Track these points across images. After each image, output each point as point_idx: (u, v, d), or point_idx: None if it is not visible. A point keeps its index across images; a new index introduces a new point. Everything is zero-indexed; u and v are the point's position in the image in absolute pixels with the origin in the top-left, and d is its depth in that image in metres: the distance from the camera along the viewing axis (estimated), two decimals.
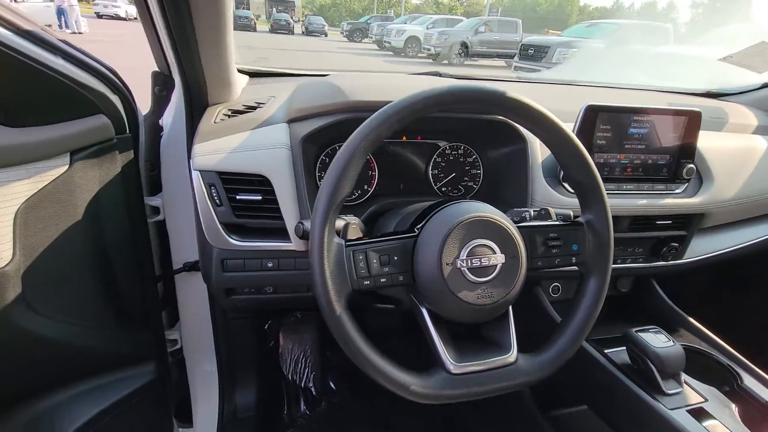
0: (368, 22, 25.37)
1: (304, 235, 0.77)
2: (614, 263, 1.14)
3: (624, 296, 1.38)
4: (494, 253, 0.67)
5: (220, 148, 0.93)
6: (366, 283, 0.65)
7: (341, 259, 0.64)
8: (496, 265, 0.67)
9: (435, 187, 1.20)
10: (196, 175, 0.91)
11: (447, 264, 0.65)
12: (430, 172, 1.19)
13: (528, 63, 9.51)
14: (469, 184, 1.23)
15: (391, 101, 0.66)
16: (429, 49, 14.35)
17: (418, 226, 0.72)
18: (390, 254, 0.68)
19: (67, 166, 0.85)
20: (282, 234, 0.96)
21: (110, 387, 1.04)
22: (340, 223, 0.71)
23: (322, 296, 0.62)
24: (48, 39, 0.77)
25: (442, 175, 1.21)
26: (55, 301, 0.89)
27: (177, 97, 1.08)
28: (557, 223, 0.81)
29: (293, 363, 1.73)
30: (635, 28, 10.34)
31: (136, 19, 1.01)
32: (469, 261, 0.65)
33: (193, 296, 1.32)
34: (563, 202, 1.07)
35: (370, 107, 0.80)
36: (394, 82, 1.15)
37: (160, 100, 1.12)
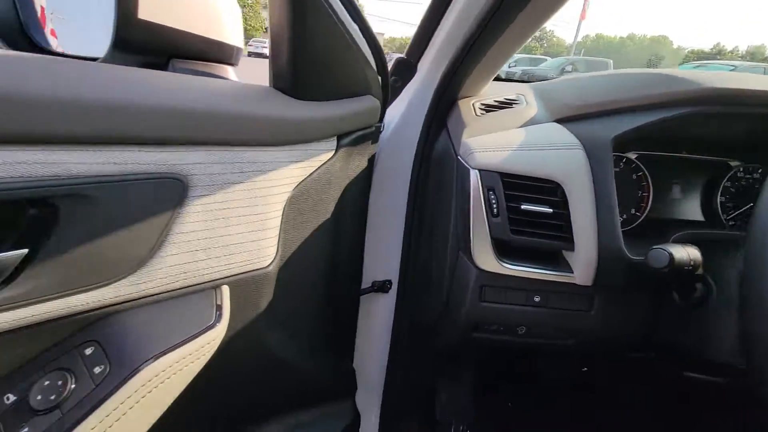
0: None
1: (670, 264, 0.54)
2: None
3: None
4: None
5: (500, 144, 0.74)
6: None
7: None
8: None
9: (723, 219, 0.91)
10: (474, 175, 0.72)
11: None
12: (719, 199, 0.91)
13: None
14: None
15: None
16: None
17: None
18: None
19: (333, 152, 0.70)
20: (556, 260, 0.74)
21: (315, 425, 0.86)
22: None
23: None
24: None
25: (731, 204, 0.92)
26: (294, 314, 0.73)
27: (415, 87, 0.92)
28: None
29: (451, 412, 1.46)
30: (756, 69, 9.49)
31: None
32: None
33: (372, 322, 1.13)
34: None
35: (732, 98, 0.57)
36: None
37: (392, 92, 0.97)
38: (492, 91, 0.97)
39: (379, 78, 0.80)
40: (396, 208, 0.99)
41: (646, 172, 0.88)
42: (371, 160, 0.86)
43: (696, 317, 0.71)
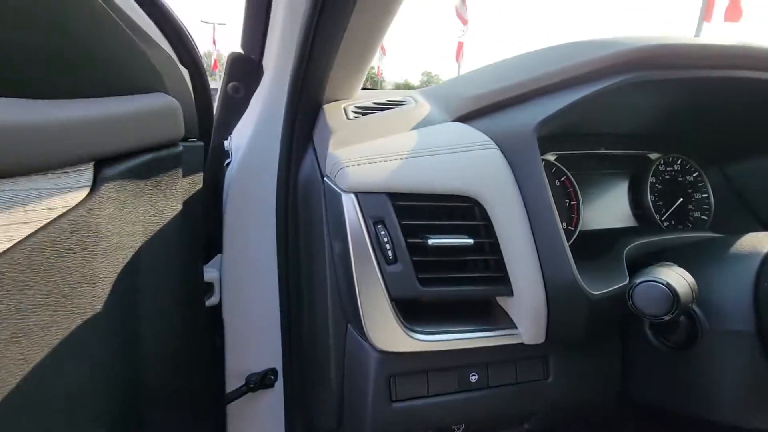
0: None
1: (675, 306, 0.33)
2: None
3: None
4: None
5: (384, 152, 0.49)
6: None
7: None
8: None
9: (658, 220, 0.78)
10: (348, 202, 0.45)
11: None
12: (649, 198, 0.77)
13: None
14: (695, 214, 0.81)
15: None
16: None
17: None
18: None
19: (88, 189, 0.38)
20: (490, 314, 0.50)
21: None
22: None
23: None
24: None
25: (661, 202, 0.79)
26: None
27: (265, 94, 0.65)
28: None
29: None
30: None
31: None
32: None
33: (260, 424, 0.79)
34: None
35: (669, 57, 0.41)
36: None
37: (232, 107, 0.68)
38: (372, 96, 0.74)
39: (188, 77, 0.51)
40: (263, 264, 0.69)
41: (571, 177, 0.70)
42: (194, 201, 0.54)
43: (683, 362, 0.50)
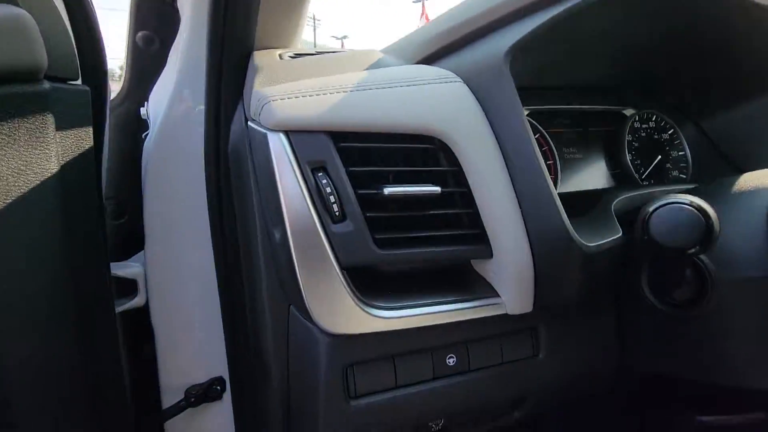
0: None
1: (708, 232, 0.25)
2: None
3: None
4: None
5: (324, 86, 0.39)
6: None
7: None
8: None
9: (638, 179, 0.72)
10: (275, 143, 0.35)
11: None
12: (627, 157, 0.71)
13: None
14: (673, 173, 0.76)
15: None
16: None
17: None
18: None
19: None
20: (466, 282, 0.41)
21: None
22: None
23: None
24: None
25: (639, 161, 0.74)
26: None
27: (184, 44, 0.54)
28: None
29: None
30: None
31: None
32: None
33: None
34: None
35: None
36: None
37: (145, 63, 0.56)
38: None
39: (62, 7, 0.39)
40: (194, 254, 0.57)
41: (546, 134, 0.63)
42: (84, 175, 0.42)
43: (688, 323, 0.43)
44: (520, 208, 0.40)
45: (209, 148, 0.50)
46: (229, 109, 0.50)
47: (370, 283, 0.39)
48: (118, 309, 0.63)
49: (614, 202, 0.52)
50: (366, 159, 0.37)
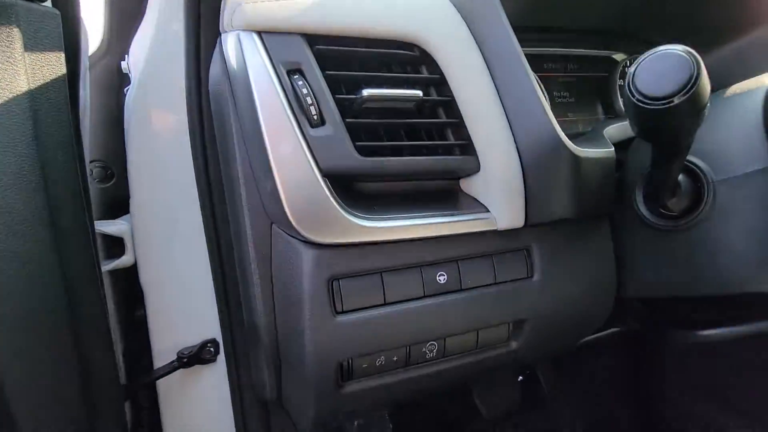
0: None
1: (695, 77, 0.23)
2: None
3: None
4: None
5: None
6: None
7: None
8: None
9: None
10: (250, 44, 0.34)
11: None
12: (621, 102, 0.70)
13: None
14: None
15: None
16: None
17: None
18: None
19: None
20: (453, 199, 0.40)
21: None
22: None
23: None
24: None
25: None
26: None
27: None
28: None
29: None
30: None
31: None
32: None
33: (198, 416, 0.66)
34: None
35: None
36: None
37: (123, 9, 0.55)
38: None
39: None
40: (181, 208, 0.55)
41: (535, 75, 0.62)
42: (60, 126, 0.40)
43: (685, 235, 0.41)
44: (506, 115, 0.38)
45: (191, 94, 0.49)
46: (209, 50, 0.49)
47: (354, 203, 0.37)
48: (105, 268, 0.61)
49: (606, 129, 0.51)
50: (344, 64, 0.36)
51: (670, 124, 0.31)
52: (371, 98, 0.35)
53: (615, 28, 0.71)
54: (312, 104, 0.34)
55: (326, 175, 0.34)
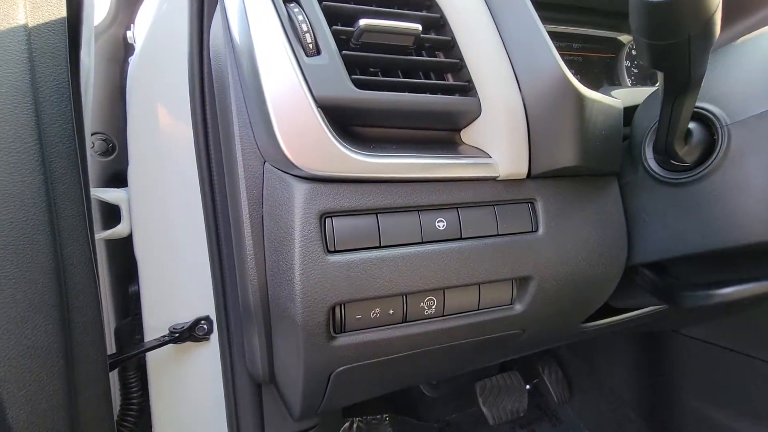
0: None
1: None
2: None
3: None
4: None
5: None
6: None
7: None
8: None
9: None
10: None
11: None
12: (628, 82, 0.69)
13: None
14: None
15: None
16: None
17: None
18: None
19: None
20: (452, 143, 0.39)
21: None
22: None
23: None
24: None
25: (639, 85, 0.72)
26: None
27: None
28: None
29: None
30: None
31: None
32: None
33: (187, 397, 0.63)
34: None
35: None
36: None
37: None
38: None
39: None
40: (180, 176, 0.54)
41: None
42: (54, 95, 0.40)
43: (699, 187, 0.39)
44: (508, 55, 0.37)
45: (192, 58, 0.49)
46: (212, 12, 0.49)
47: (351, 143, 0.36)
48: (100, 236, 0.60)
49: (612, 92, 0.49)
50: None
51: (676, 25, 0.29)
52: (368, 29, 0.34)
53: (623, 9, 0.70)
54: (308, 31, 0.33)
55: (321, 106, 0.33)
